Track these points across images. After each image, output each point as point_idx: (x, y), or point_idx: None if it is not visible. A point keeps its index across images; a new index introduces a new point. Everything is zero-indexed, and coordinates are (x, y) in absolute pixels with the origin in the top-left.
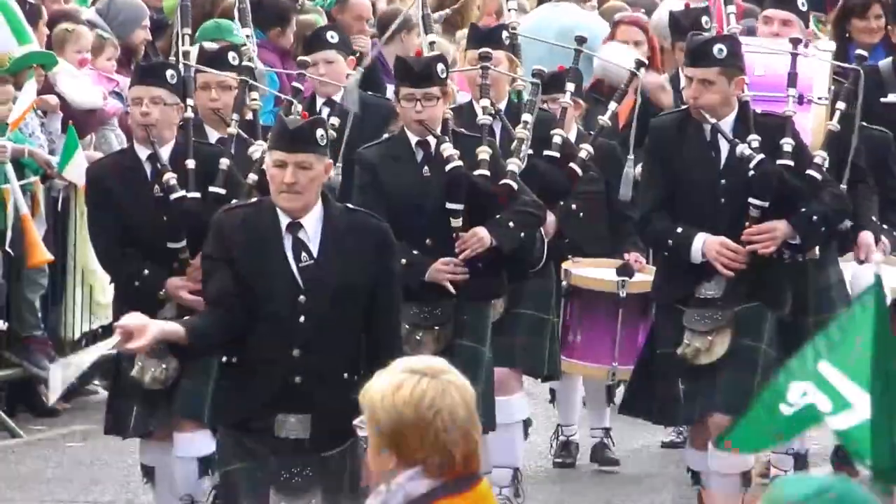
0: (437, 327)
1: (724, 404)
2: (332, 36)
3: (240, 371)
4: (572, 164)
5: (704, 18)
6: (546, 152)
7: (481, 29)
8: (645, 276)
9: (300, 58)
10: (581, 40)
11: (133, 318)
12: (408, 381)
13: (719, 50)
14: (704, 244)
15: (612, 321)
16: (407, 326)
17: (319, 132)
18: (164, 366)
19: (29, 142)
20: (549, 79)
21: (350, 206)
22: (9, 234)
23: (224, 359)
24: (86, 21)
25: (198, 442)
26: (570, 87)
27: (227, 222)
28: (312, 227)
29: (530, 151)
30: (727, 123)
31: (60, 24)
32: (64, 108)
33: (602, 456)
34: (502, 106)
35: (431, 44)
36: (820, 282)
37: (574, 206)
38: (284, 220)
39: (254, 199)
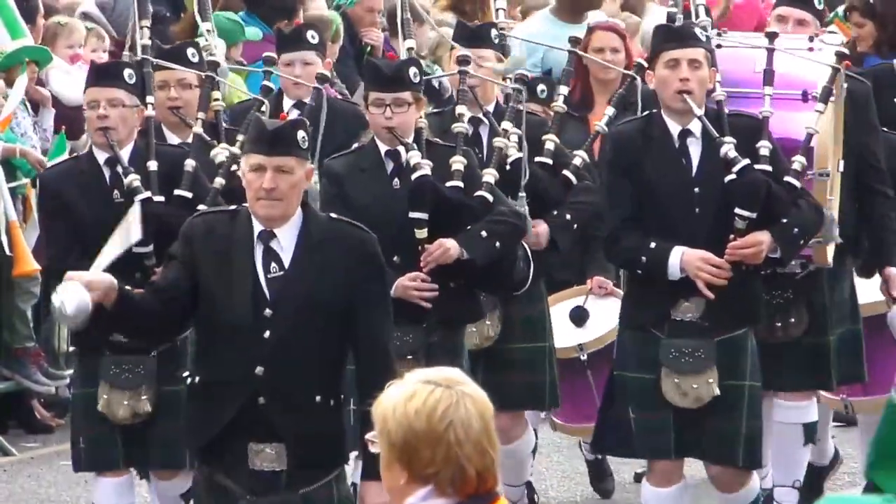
0: (409, 356)
1: (714, 455)
2: (312, 36)
3: (203, 391)
4: (565, 172)
5: None
6: (538, 158)
7: (469, 27)
8: (600, 330)
9: (266, 54)
10: (575, 41)
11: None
12: (421, 391)
13: (701, 32)
14: (683, 259)
15: (585, 381)
16: None
17: (301, 134)
18: (143, 396)
19: (21, 141)
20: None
21: (334, 215)
22: (3, 238)
23: (188, 379)
24: (81, 14)
25: (180, 482)
26: (564, 90)
27: (196, 228)
28: (287, 236)
29: (520, 155)
30: (697, 125)
31: (53, 17)
32: (57, 105)
33: (597, 474)
34: (491, 108)
35: (409, 49)
36: (836, 296)
37: (568, 217)
38: (257, 228)
39: (232, 207)
